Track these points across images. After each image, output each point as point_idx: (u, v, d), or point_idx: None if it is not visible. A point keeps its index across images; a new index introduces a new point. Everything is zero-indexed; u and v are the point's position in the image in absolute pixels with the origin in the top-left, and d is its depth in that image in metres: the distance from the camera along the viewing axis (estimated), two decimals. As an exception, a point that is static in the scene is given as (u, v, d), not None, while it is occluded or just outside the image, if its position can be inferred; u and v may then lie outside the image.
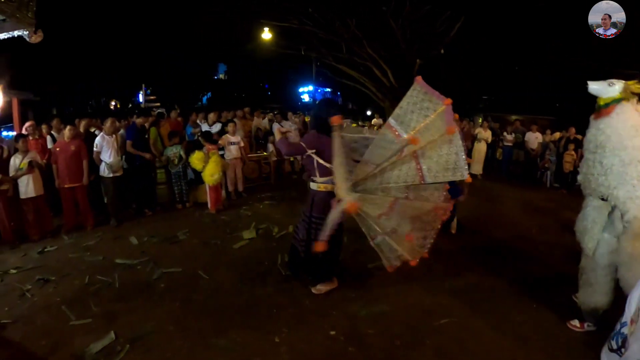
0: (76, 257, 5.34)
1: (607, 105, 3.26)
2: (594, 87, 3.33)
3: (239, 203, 7.89)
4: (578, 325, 3.71)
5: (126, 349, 3.37)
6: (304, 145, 4.01)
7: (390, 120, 3.77)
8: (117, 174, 6.58)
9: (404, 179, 3.67)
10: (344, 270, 4.71)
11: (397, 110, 3.76)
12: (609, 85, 3.26)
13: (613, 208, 3.29)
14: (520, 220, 7.06)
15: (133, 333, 3.59)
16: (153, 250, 5.55)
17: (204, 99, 36.13)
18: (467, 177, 3.41)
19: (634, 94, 3.24)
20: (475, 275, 4.86)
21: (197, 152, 7.13)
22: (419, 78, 3.63)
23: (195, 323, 3.76)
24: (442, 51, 16.98)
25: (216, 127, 8.53)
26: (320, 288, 4.31)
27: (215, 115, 9.03)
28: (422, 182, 3.58)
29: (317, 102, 3.78)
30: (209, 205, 7.34)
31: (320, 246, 3.67)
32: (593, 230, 3.45)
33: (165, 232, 6.20)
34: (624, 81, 3.26)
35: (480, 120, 11.55)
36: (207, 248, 5.63)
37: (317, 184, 4.11)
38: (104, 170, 6.49)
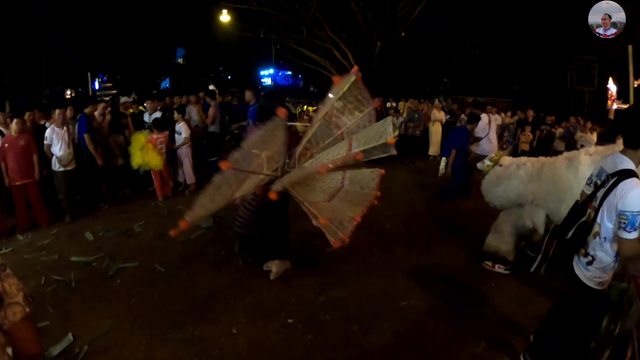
0: (32, 258, 5.13)
1: (481, 179, 4.85)
2: (478, 166, 4.94)
3: (196, 191, 7.67)
4: (490, 264, 4.57)
5: (84, 350, 3.31)
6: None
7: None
8: (69, 168, 6.28)
9: (336, 152, 3.87)
10: (302, 256, 4.74)
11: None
12: (482, 163, 4.83)
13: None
14: (477, 199, 7.18)
15: (91, 333, 3.52)
16: (109, 245, 5.42)
17: (166, 83, 35.06)
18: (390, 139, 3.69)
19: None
20: (433, 256, 4.98)
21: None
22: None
23: (152, 319, 3.71)
24: (403, 34, 17.05)
25: (155, 116, 8.01)
26: (276, 271, 4.32)
27: (155, 104, 8.50)
28: (350, 151, 3.78)
29: (263, 93, 4.20)
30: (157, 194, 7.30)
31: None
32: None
33: (121, 226, 6.04)
34: (492, 155, 4.90)
35: (437, 102, 11.65)
36: (163, 240, 5.51)
37: None
38: (55, 164, 6.21)
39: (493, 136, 7.37)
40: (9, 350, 1.29)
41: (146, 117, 8.18)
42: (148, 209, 6.88)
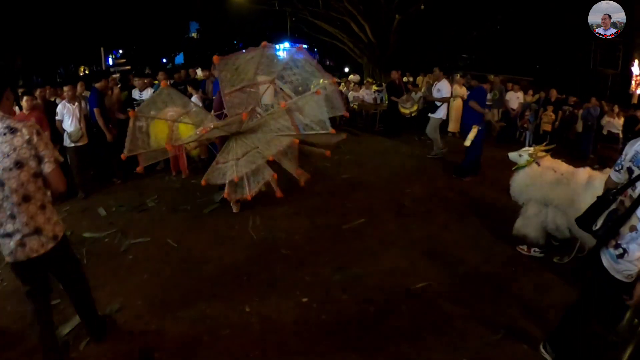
0: (44, 235, 5.09)
1: (514, 170, 4.55)
2: (511, 156, 4.58)
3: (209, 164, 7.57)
4: (525, 249, 4.41)
5: (94, 328, 3.23)
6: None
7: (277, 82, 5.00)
8: (80, 144, 6.19)
9: (281, 129, 4.51)
10: (317, 233, 4.67)
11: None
12: (519, 156, 4.48)
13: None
14: (498, 178, 6.94)
15: (101, 311, 3.43)
16: (121, 220, 5.36)
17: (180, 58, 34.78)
18: (330, 130, 4.34)
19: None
20: (452, 236, 4.82)
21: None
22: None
23: (164, 296, 3.65)
24: (422, 7, 16.48)
25: (147, 94, 7.41)
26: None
27: (145, 81, 7.76)
28: (298, 132, 4.43)
29: None
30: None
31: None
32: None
33: (133, 201, 5.98)
34: (531, 150, 4.46)
35: (458, 77, 11.21)
36: (176, 214, 5.46)
37: None
38: (65, 140, 6.13)
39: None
40: (49, 193, 2.53)
41: (135, 95, 7.58)
42: (161, 183, 6.80)
